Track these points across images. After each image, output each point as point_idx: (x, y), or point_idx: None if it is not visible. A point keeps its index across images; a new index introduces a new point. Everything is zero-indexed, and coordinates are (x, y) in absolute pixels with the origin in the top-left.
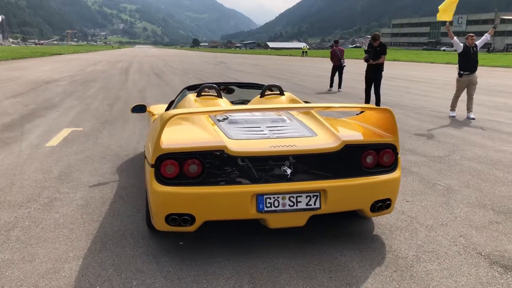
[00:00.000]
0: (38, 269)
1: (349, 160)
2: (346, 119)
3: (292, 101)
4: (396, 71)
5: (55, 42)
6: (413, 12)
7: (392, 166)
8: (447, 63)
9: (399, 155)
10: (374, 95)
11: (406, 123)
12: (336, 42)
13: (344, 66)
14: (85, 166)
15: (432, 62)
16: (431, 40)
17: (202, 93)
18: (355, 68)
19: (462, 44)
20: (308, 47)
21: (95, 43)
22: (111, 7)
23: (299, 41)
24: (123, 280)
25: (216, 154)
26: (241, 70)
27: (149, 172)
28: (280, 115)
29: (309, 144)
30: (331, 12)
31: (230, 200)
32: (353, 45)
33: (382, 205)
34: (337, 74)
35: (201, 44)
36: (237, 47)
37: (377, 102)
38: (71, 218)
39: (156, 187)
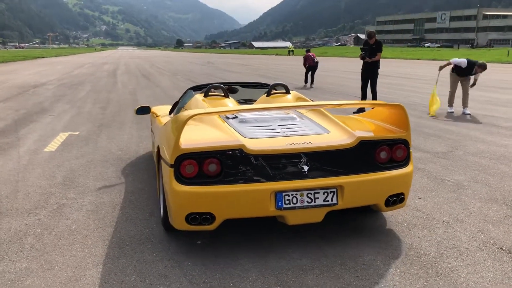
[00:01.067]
0: (59, 277)
1: (364, 156)
2: (354, 116)
3: (299, 99)
4: (386, 68)
5: (36, 45)
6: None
7: (404, 161)
8: (433, 59)
9: (411, 150)
10: (370, 93)
11: None
12: (308, 50)
13: (317, 62)
14: (88, 170)
15: (418, 59)
16: (415, 37)
17: (209, 93)
18: (341, 66)
19: (464, 60)
20: (293, 46)
21: (77, 46)
22: (93, 9)
23: (284, 40)
24: (148, 286)
25: (235, 153)
26: (230, 70)
27: (168, 172)
28: (288, 113)
29: (324, 141)
30: (314, 11)
31: (250, 198)
32: (338, 43)
33: (396, 199)
34: (309, 73)
35: (185, 44)
36: (222, 47)
37: (374, 100)
38: (83, 224)
39: (176, 187)
